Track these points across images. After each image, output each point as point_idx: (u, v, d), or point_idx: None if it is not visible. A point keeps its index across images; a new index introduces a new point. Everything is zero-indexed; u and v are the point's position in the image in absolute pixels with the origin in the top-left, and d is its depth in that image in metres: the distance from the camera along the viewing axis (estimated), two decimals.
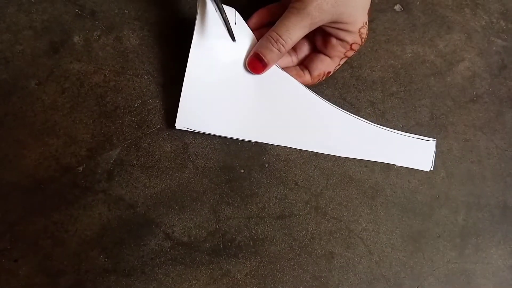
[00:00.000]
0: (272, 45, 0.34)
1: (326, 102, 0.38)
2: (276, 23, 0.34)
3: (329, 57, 0.36)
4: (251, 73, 0.36)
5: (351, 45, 0.35)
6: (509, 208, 0.40)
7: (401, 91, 0.41)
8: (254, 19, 0.37)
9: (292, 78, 0.37)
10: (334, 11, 0.32)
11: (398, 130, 0.40)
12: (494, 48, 0.44)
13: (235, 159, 0.37)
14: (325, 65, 0.37)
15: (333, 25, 0.34)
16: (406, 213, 0.39)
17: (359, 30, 0.35)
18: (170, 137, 0.37)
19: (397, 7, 0.43)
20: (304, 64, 0.38)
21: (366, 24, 0.35)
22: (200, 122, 0.35)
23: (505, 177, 0.41)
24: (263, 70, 0.35)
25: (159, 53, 0.38)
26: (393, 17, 0.43)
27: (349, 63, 0.41)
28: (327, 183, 0.38)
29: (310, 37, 0.37)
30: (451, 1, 0.45)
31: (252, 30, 0.36)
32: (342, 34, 0.35)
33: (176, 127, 0.35)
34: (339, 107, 0.40)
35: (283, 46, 0.34)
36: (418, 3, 0.44)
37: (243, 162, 0.37)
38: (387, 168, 0.39)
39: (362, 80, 0.41)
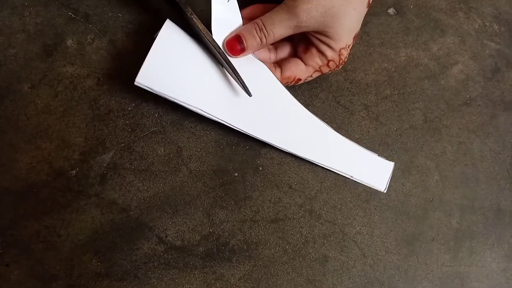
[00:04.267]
0: (256, 32, 0.34)
1: (296, 101, 0.37)
2: (266, 13, 0.34)
3: (305, 64, 0.37)
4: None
5: (328, 61, 0.36)
6: (503, 211, 0.40)
7: (395, 94, 0.42)
8: (248, 10, 0.37)
9: (267, 68, 0.36)
10: (322, 21, 0.33)
11: (392, 133, 0.40)
12: (487, 51, 0.44)
13: (229, 162, 0.37)
14: (298, 70, 0.37)
15: (317, 35, 0.34)
16: (400, 216, 0.39)
17: (340, 50, 0.35)
18: (163, 141, 0.37)
19: (391, 11, 0.44)
20: (279, 63, 0.38)
21: (348, 47, 0.35)
22: (162, 84, 0.33)
23: (498, 180, 0.41)
24: (239, 53, 0.35)
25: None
26: (387, 20, 0.43)
27: (343, 66, 0.41)
28: (321, 186, 0.38)
29: (293, 43, 0.38)
30: (445, 4, 0.45)
31: (243, 19, 0.36)
32: (323, 47, 0.35)
33: (135, 83, 0.33)
34: (333, 110, 0.40)
35: (265, 36, 0.34)
36: (411, 6, 0.44)
37: (237, 166, 0.37)
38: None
39: (356, 83, 0.41)
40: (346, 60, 0.37)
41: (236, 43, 0.35)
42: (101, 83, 0.37)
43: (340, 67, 0.37)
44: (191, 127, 0.37)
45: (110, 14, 0.38)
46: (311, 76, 0.37)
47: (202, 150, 0.37)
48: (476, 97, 0.43)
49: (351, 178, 0.38)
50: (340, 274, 0.37)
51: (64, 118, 0.36)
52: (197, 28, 0.33)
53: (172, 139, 0.37)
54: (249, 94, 0.34)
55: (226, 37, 0.35)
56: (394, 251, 0.38)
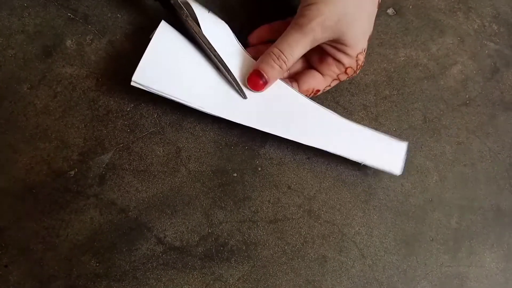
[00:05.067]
0: (274, 61, 0.33)
1: (295, 91, 0.36)
2: (278, 39, 0.34)
3: (322, 75, 0.36)
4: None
5: (346, 68, 0.35)
6: (502, 211, 0.40)
7: (394, 95, 0.42)
8: (255, 34, 0.37)
9: None
10: (337, 29, 0.32)
11: (391, 133, 0.40)
12: (486, 51, 0.44)
13: (228, 162, 0.37)
14: (316, 82, 0.36)
15: (333, 43, 0.34)
16: (399, 216, 0.39)
17: (357, 55, 0.34)
18: (162, 141, 0.37)
19: (390, 11, 0.44)
20: (295, 78, 0.37)
21: (364, 51, 0.35)
22: (159, 83, 0.33)
23: (498, 180, 0.41)
24: (263, 88, 0.34)
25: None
26: (386, 20, 0.43)
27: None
28: (320, 186, 0.38)
29: (305, 54, 0.36)
30: (444, 5, 0.45)
31: (252, 46, 0.37)
32: (339, 55, 0.34)
33: (132, 83, 0.32)
34: (332, 110, 0.40)
35: (284, 63, 0.33)
36: (411, 7, 0.44)
37: (236, 166, 0.37)
38: (380, 171, 0.39)
39: (355, 84, 0.41)
40: (363, 64, 0.36)
41: (257, 79, 0.34)
42: (100, 84, 0.37)
43: (357, 72, 0.36)
44: (190, 127, 0.37)
45: (109, 15, 0.38)
46: (329, 85, 0.37)
47: (201, 150, 0.37)
48: (475, 97, 0.43)
49: (362, 163, 0.36)
50: (339, 274, 0.37)
51: (63, 118, 0.36)
52: (192, 30, 0.33)
53: (171, 140, 0.37)
54: (244, 96, 0.34)
55: (246, 75, 0.35)
56: (393, 252, 0.38)
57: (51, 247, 0.34)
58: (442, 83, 0.43)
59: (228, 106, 0.35)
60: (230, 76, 0.34)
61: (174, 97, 0.33)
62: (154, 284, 0.34)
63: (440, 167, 0.40)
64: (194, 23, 0.34)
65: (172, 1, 0.33)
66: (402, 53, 0.43)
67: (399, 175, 0.39)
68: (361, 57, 0.35)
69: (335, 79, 0.36)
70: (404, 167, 0.36)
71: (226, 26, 0.36)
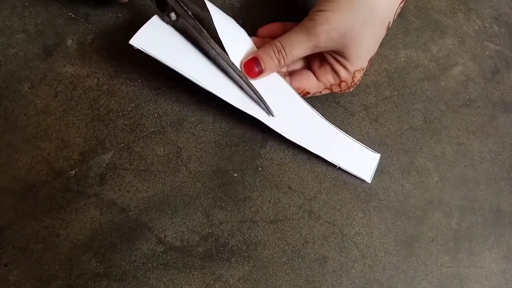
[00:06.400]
0: (274, 54, 0.34)
1: (287, 85, 0.36)
2: (284, 34, 0.34)
3: (317, 79, 0.36)
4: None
5: (341, 81, 0.35)
6: (502, 212, 0.40)
7: (395, 95, 0.42)
8: (267, 28, 0.37)
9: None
10: (341, 42, 0.32)
11: (391, 134, 0.40)
12: (487, 52, 0.44)
13: (228, 163, 0.37)
14: (308, 83, 0.36)
15: (334, 54, 0.34)
16: (399, 217, 0.39)
17: (354, 72, 0.35)
18: (163, 141, 0.37)
19: None
20: (291, 74, 0.37)
21: (363, 70, 0.35)
22: (158, 48, 0.33)
23: (498, 181, 0.41)
24: (257, 76, 0.35)
25: (153, 58, 0.38)
26: None
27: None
28: (320, 187, 0.38)
29: (307, 57, 0.37)
30: (445, 6, 0.45)
31: (260, 37, 0.37)
32: (337, 67, 0.34)
33: (130, 42, 0.32)
34: (332, 111, 0.40)
35: (283, 58, 0.33)
36: (411, 7, 0.44)
37: (237, 166, 0.37)
38: (380, 172, 0.39)
39: None
40: (358, 83, 0.36)
41: (254, 65, 0.34)
42: (101, 83, 0.37)
43: (351, 89, 0.36)
44: (190, 127, 0.37)
45: (110, 15, 0.38)
46: (320, 92, 0.37)
47: (201, 150, 0.37)
48: (476, 98, 0.43)
49: (338, 166, 0.38)
50: (339, 275, 0.37)
51: (63, 118, 0.36)
52: (213, 51, 0.33)
53: (171, 140, 0.37)
54: (271, 114, 0.35)
55: (243, 59, 0.35)
56: (394, 252, 0.38)
57: (51, 246, 0.34)
58: (442, 84, 0.43)
59: (219, 83, 0.34)
60: (256, 94, 0.34)
61: (169, 64, 0.33)
62: (154, 284, 0.34)
63: (440, 168, 0.40)
64: (215, 43, 0.33)
65: (191, 24, 0.33)
66: (403, 53, 0.43)
67: (399, 176, 0.39)
68: (358, 75, 0.35)
69: (327, 88, 0.36)
70: (374, 176, 0.39)
71: (244, 32, 0.36)
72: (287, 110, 0.36)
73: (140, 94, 0.37)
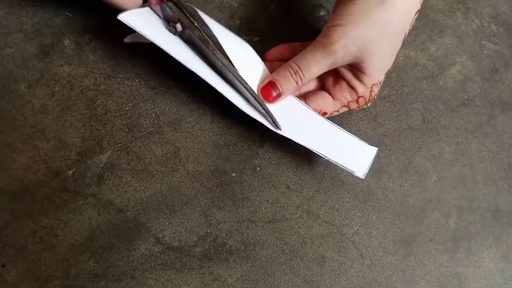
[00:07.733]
0: (291, 76, 0.33)
1: (294, 97, 0.36)
2: (298, 55, 0.33)
3: (333, 98, 0.35)
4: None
5: (358, 97, 0.34)
6: (501, 212, 0.40)
7: (393, 95, 0.42)
8: (275, 50, 0.36)
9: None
10: (358, 55, 0.31)
11: (390, 133, 0.40)
12: (485, 51, 0.44)
13: (226, 162, 0.37)
14: (326, 104, 0.35)
15: (351, 68, 0.33)
16: (398, 216, 0.39)
17: (372, 86, 0.34)
18: (161, 141, 0.37)
19: None
20: (304, 96, 0.36)
21: (380, 84, 0.34)
22: (145, 27, 0.33)
23: (496, 181, 0.41)
24: (275, 100, 0.34)
25: (150, 57, 0.38)
26: None
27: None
28: (318, 186, 0.38)
29: (320, 76, 0.36)
30: (443, 5, 0.45)
31: (268, 61, 0.36)
32: (354, 82, 0.34)
33: (118, 17, 0.32)
34: None
35: (301, 79, 0.33)
36: None
37: (235, 166, 0.37)
38: (379, 171, 0.39)
39: None
40: (375, 97, 0.35)
41: (271, 90, 0.33)
42: (98, 83, 0.37)
43: (368, 104, 0.36)
44: (188, 127, 0.37)
45: (107, 15, 0.38)
46: (337, 111, 0.36)
47: (199, 150, 0.37)
48: (474, 98, 0.43)
49: (325, 157, 0.34)
50: (337, 274, 0.37)
51: (61, 118, 0.35)
52: (220, 63, 0.33)
53: (169, 139, 0.37)
54: (278, 128, 0.34)
55: (259, 85, 0.34)
56: (392, 252, 0.38)
57: (49, 246, 0.33)
58: (441, 83, 0.43)
59: (207, 70, 0.34)
60: (263, 108, 0.34)
61: (157, 42, 0.32)
62: (153, 284, 0.34)
63: (438, 167, 0.40)
64: (222, 56, 0.33)
65: (197, 35, 0.33)
66: (401, 53, 0.43)
67: (398, 175, 0.39)
68: (376, 89, 0.34)
69: (345, 106, 0.36)
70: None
71: (249, 46, 0.35)
72: (287, 111, 0.35)
73: (138, 94, 0.37)
